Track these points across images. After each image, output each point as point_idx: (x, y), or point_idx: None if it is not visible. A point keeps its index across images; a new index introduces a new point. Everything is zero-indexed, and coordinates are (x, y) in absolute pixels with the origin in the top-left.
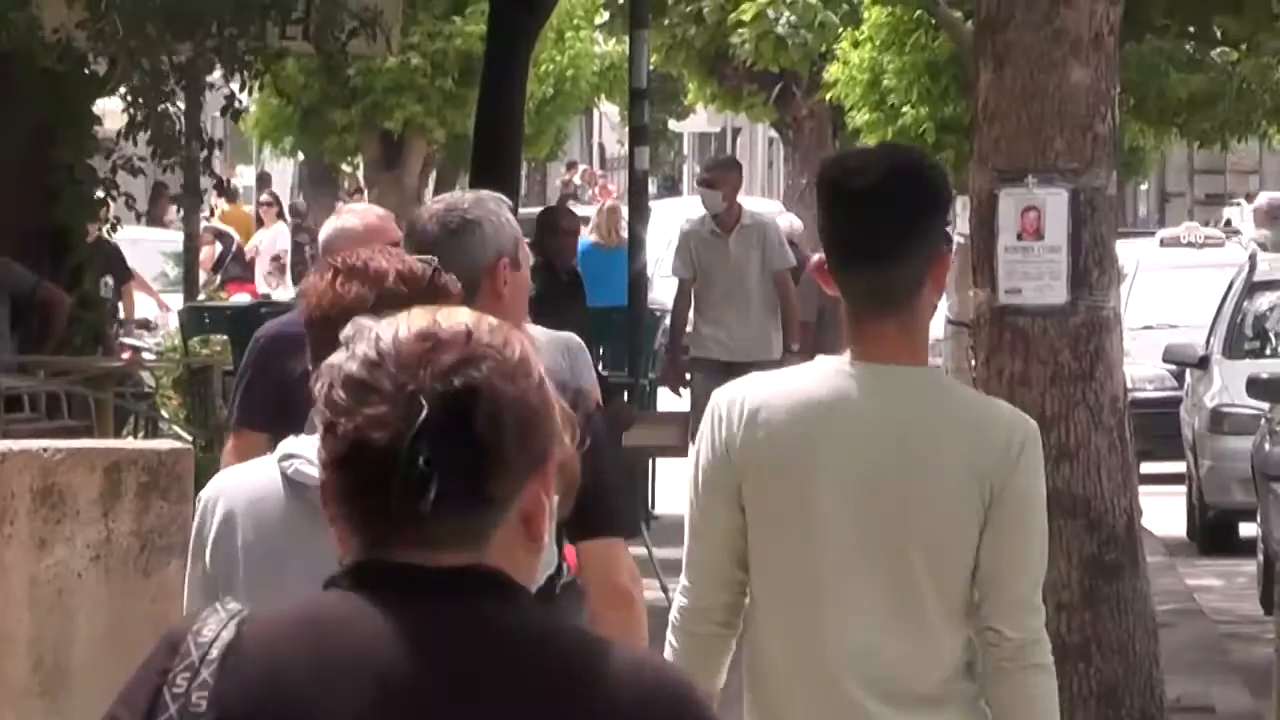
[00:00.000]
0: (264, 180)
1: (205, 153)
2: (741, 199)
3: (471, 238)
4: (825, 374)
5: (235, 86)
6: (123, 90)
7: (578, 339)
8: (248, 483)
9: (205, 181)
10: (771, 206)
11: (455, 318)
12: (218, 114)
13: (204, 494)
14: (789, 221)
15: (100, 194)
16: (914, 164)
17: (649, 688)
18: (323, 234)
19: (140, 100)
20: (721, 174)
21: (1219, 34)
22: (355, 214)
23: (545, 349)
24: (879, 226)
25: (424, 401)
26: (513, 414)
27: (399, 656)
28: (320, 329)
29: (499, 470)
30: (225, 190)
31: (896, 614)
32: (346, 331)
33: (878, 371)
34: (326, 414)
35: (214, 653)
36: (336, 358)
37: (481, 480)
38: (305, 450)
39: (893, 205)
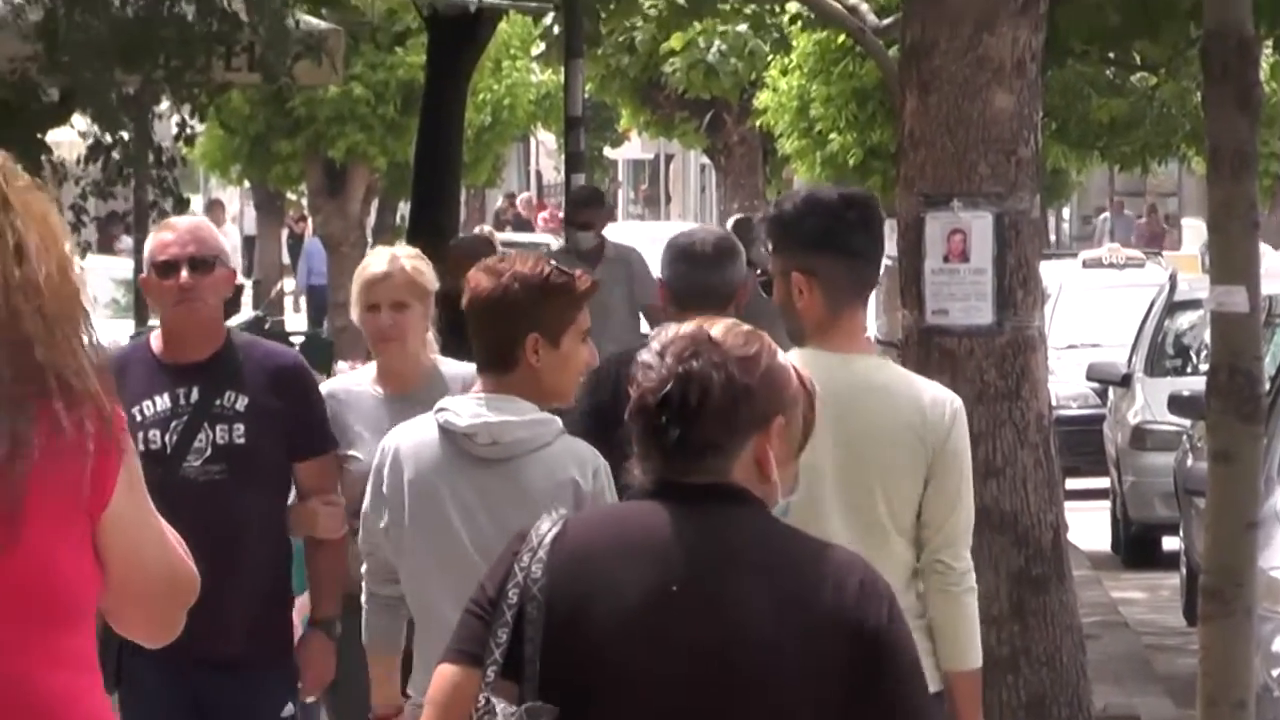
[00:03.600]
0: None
1: (166, 171)
2: (678, 223)
3: (737, 260)
4: (803, 361)
5: (185, 114)
6: (83, 118)
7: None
8: (413, 431)
9: (167, 202)
10: None
11: (715, 325)
12: (167, 142)
13: (384, 442)
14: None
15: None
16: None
17: (847, 563)
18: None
19: (103, 126)
20: (596, 212)
21: (1138, 59)
22: (171, 228)
23: (455, 381)
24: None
25: (669, 380)
26: (722, 392)
27: (677, 540)
28: (482, 315)
29: (714, 427)
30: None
31: (866, 542)
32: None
33: (842, 359)
34: (636, 379)
35: (548, 539)
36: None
37: (697, 433)
38: (454, 405)
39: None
